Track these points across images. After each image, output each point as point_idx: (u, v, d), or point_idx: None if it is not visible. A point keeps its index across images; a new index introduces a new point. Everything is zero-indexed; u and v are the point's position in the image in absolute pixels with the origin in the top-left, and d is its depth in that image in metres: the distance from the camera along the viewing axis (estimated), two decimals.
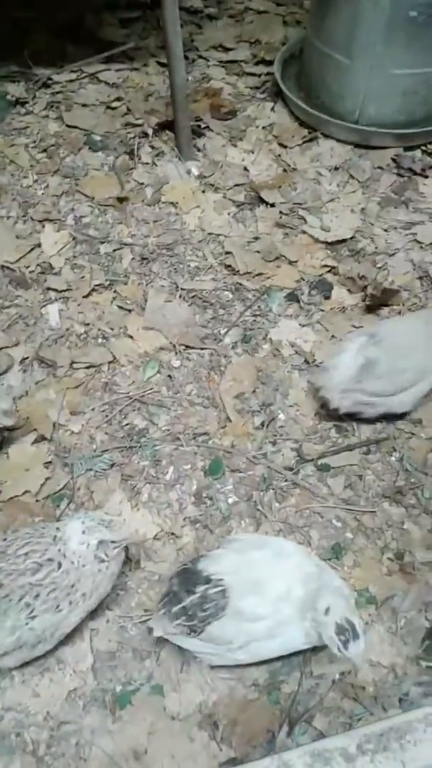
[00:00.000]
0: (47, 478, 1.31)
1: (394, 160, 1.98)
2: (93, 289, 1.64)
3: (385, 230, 1.81)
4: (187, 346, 1.54)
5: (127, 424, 1.41)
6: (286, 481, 1.33)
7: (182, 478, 1.34)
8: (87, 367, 1.48)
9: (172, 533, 1.26)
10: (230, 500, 1.31)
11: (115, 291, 1.64)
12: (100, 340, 1.55)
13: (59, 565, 1.03)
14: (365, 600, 1.18)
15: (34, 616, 1.01)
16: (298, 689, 1.09)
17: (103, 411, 1.42)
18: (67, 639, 1.10)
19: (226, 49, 2.40)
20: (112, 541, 1.06)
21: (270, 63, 2.25)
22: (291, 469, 1.35)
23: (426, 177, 1.95)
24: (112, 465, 1.34)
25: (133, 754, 1.03)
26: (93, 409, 1.42)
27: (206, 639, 1.03)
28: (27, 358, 1.51)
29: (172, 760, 1.03)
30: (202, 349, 1.54)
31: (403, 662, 1.12)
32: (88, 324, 1.57)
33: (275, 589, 1.01)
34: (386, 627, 1.15)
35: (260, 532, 1.26)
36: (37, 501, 1.29)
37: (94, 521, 1.06)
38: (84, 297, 1.63)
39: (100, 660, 1.12)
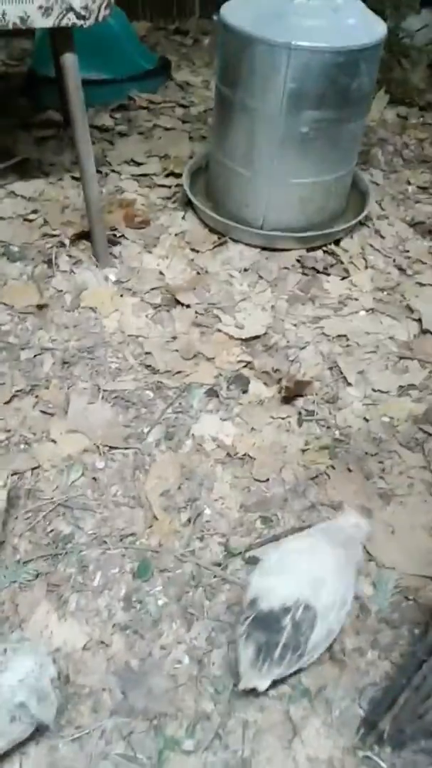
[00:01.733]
0: None
1: (298, 260, 2.14)
2: (14, 395, 1.65)
3: (295, 325, 1.92)
4: (111, 447, 1.56)
5: (51, 531, 1.39)
6: (215, 577, 1.34)
7: (110, 583, 1.32)
8: (10, 475, 1.47)
9: (102, 642, 1.23)
10: (160, 602, 1.30)
11: (36, 396, 1.66)
12: (22, 446, 1.54)
13: None
14: (299, 693, 1.18)
15: None
16: None
17: (27, 519, 1.40)
18: None
19: (138, 163, 2.56)
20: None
21: (179, 175, 2.42)
22: (219, 565, 1.36)
23: (328, 275, 2.11)
24: (38, 575, 1.31)
25: None
26: (16, 518, 1.40)
27: (309, 651, 1.10)
28: None
29: None
30: (126, 448, 1.56)
31: (341, 755, 1.11)
32: (9, 431, 1.57)
33: (331, 572, 1.15)
34: (321, 719, 1.15)
35: (193, 631, 1.25)
36: None
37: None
38: (5, 403, 1.63)
39: None
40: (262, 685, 1.09)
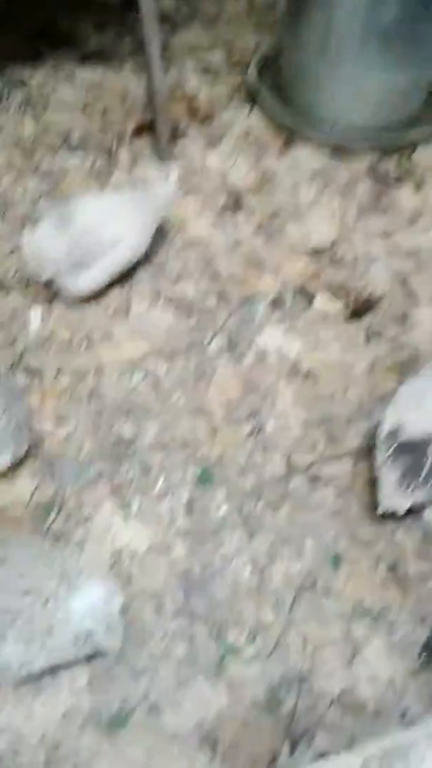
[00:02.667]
0: (36, 488, 1.27)
1: (370, 167, 1.99)
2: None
3: (364, 237, 1.81)
4: (173, 354, 1.51)
5: (114, 433, 1.37)
6: (276, 491, 1.32)
7: (172, 488, 1.31)
8: (72, 375, 1.44)
9: (165, 545, 1.23)
10: (221, 511, 1.29)
11: (98, 297, 1.60)
12: (84, 346, 1.50)
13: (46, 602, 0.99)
14: (361, 612, 1.17)
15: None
16: (295, 708, 1.07)
17: (90, 420, 1.38)
18: None
19: (201, 54, 2.37)
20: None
21: (245, 68, 2.24)
22: (281, 479, 1.34)
23: (401, 186, 1.97)
24: (101, 475, 1.30)
25: None
26: (79, 418, 1.38)
27: None
28: (10, 365, 1.45)
29: None
30: (187, 356, 1.51)
31: (401, 677, 1.11)
32: (72, 330, 1.53)
33: None
34: (383, 640, 1.14)
35: (254, 542, 1.24)
36: (26, 510, 1.25)
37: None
38: (68, 303, 1.58)
39: (96, 678, 1.08)
40: (403, 505, 1.15)
